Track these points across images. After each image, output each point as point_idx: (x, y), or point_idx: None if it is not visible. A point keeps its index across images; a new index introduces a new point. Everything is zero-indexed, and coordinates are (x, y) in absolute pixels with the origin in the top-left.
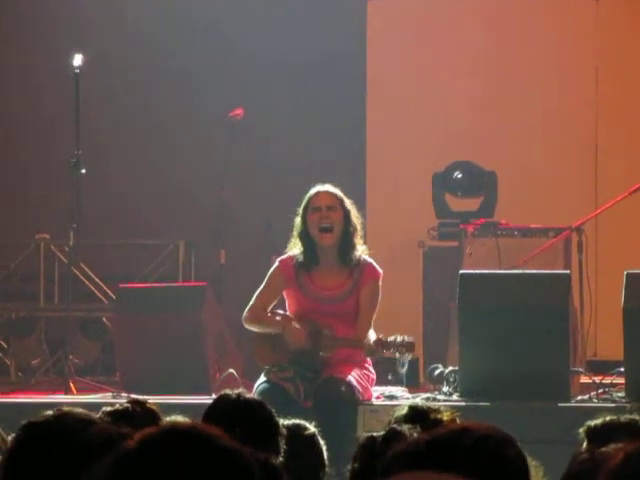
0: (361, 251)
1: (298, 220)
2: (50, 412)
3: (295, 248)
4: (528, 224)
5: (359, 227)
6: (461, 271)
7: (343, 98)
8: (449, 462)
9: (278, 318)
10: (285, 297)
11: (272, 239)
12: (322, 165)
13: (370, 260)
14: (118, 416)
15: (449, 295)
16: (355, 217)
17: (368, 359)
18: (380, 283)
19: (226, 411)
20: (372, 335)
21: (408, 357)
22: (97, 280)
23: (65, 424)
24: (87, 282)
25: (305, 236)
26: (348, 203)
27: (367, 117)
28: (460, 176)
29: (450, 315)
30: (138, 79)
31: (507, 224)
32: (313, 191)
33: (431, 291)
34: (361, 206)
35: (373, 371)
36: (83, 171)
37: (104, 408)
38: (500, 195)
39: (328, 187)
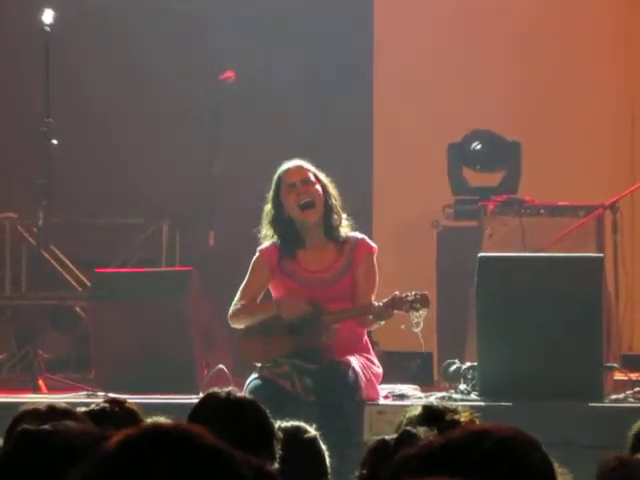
0: (346, 226)
1: (268, 206)
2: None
3: (270, 234)
4: (556, 201)
5: (339, 200)
6: (480, 254)
7: (347, 59)
8: (466, 467)
9: (268, 304)
10: (271, 291)
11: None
12: (324, 134)
13: (362, 235)
14: (94, 417)
15: (466, 281)
16: (333, 188)
17: (372, 351)
18: (375, 259)
19: (214, 411)
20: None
21: (423, 313)
22: (70, 264)
23: (65, 436)
24: (59, 267)
25: (281, 221)
26: (322, 175)
27: (374, 80)
28: (479, 147)
29: (467, 304)
30: (119, 39)
31: (532, 201)
32: (282, 169)
33: (446, 277)
34: (367, 180)
35: (379, 365)
36: (54, 142)
37: (79, 409)
38: (524, 168)
39: (296, 161)
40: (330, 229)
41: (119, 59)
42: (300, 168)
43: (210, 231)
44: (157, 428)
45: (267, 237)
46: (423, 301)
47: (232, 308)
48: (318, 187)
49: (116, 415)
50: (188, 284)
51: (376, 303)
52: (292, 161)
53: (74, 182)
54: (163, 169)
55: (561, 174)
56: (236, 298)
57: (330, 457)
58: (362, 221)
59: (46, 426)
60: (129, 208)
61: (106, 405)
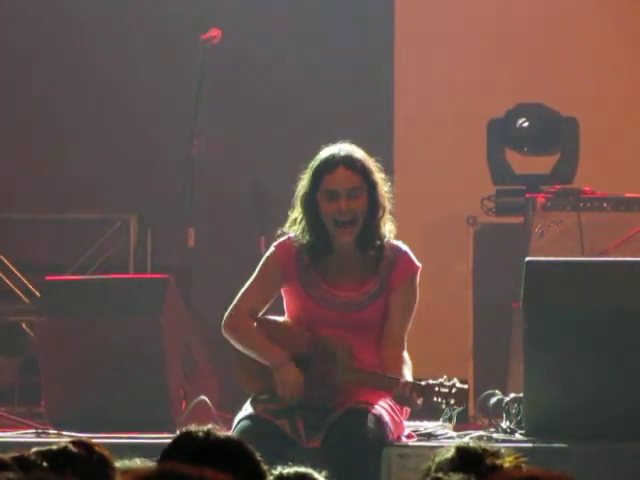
0: (388, 232)
1: (303, 189)
2: None
3: (296, 227)
4: (622, 192)
5: (388, 204)
6: (528, 258)
7: (361, 10)
8: None
9: (273, 349)
10: (283, 295)
11: (261, 213)
12: (331, 109)
13: (405, 248)
14: (52, 460)
15: (510, 292)
16: (383, 192)
17: None
18: (417, 280)
19: (190, 456)
20: (406, 364)
21: (457, 410)
22: (14, 271)
23: None
24: (0, 274)
25: (314, 219)
26: (374, 171)
27: (395, 38)
28: (527, 124)
29: (512, 320)
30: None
31: (592, 192)
32: (327, 162)
33: (485, 287)
34: (387, 167)
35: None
36: None
37: (34, 449)
38: (583, 152)
39: (347, 153)
40: (364, 243)
41: (74, 13)
42: (349, 172)
43: (189, 229)
44: (174, 473)
45: (295, 225)
46: (460, 398)
47: (228, 315)
48: (365, 198)
49: (80, 459)
50: (163, 295)
51: (406, 376)
52: (340, 149)
53: (19, 169)
54: (131, 152)
55: (628, 159)
56: (235, 302)
57: None
58: None
59: None
60: (88, 201)
61: (68, 445)
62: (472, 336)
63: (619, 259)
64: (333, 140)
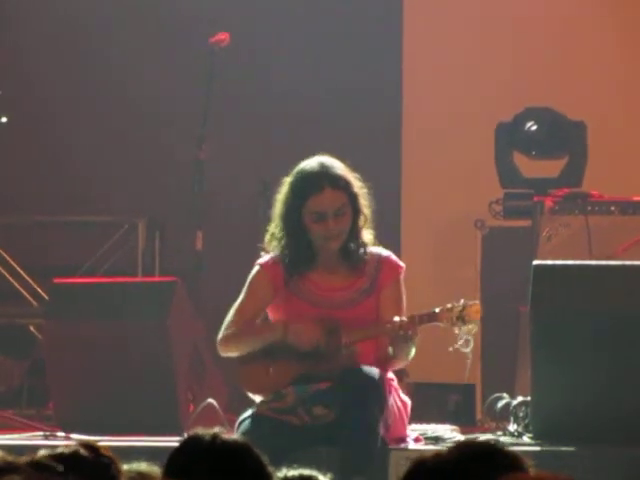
0: (369, 241)
1: (285, 207)
2: None
3: (276, 244)
4: (630, 196)
5: (367, 211)
6: (535, 262)
7: (370, 10)
8: None
9: (271, 325)
10: (270, 314)
11: (269, 216)
12: (340, 111)
13: (387, 252)
14: (65, 462)
15: (518, 296)
16: (363, 199)
17: (396, 383)
18: (402, 280)
19: (196, 459)
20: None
21: (473, 329)
22: (22, 273)
23: None
24: (8, 276)
25: (299, 235)
26: (355, 185)
27: (403, 39)
28: (535, 128)
29: (519, 323)
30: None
31: (600, 196)
32: (312, 182)
33: (492, 291)
34: (393, 171)
35: (406, 398)
36: (3, 119)
37: (41, 451)
38: (591, 156)
39: (331, 172)
40: (348, 255)
41: (84, 17)
42: (335, 192)
43: (198, 232)
44: None
45: (274, 248)
46: (473, 313)
47: (222, 333)
48: (349, 214)
49: (87, 462)
50: (171, 298)
51: (411, 315)
52: (323, 165)
53: (27, 170)
54: (139, 155)
55: (636, 163)
56: (227, 320)
57: None
58: (387, 225)
59: None
60: (96, 204)
61: (79, 449)
62: (480, 340)
63: (627, 263)
64: (342, 142)
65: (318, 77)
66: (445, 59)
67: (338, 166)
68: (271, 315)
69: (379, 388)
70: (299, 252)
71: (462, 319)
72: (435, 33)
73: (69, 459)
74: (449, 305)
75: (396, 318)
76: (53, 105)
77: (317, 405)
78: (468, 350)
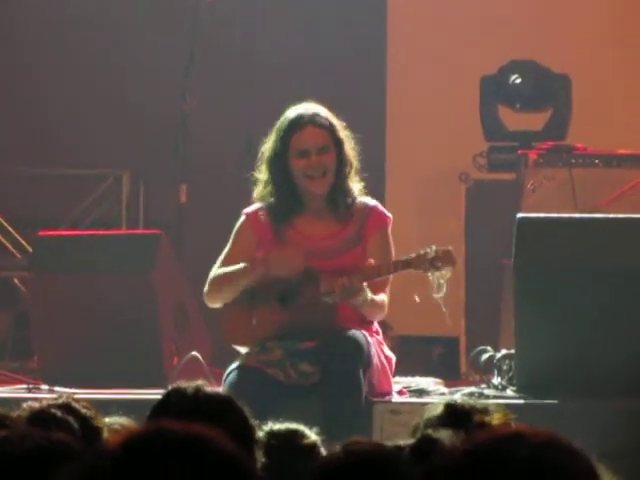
0: (357, 191)
1: (270, 150)
2: None
3: (263, 190)
4: (614, 149)
5: (355, 161)
6: (519, 214)
7: None
8: None
9: (250, 263)
10: None
11: (254, 169)
12: (323, 62)
13: (374, 202)
14: (40, 419)
15: (502, 249)
16: (350, 148)
17: (381, 337)
18: (390, 231)
19: (178, 411)
20: (386, 302)
21: (446, 274)
22: (6, 226)
23: None
24: None
25: (284, 179)
26: (341, 129)
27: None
28: (519, 81)
29: (503, 277)
30: None
31: (585, 149)
32: (294, 122)
33: (476, 244)
34: (378, 124)
35: (391, 354)
36: None
37: (24, 405)
38: (576, 109)
39: (314, 112)
40: (334, 200)
41: None
42: (317, 130)
43: (182, 185)
44: (165, 431)
45: (264, 198)
46: (446, 258)
47: (208, 283)
48: (333, 154)
49: (66, 417)
50: (155, 250)
51: (387, 262)
52: (307, 108)
53: (8, 122)
54: (122, 107)
55: (621, 115)
56: (213, 270)
57: None
58: (372, 178)
59: None
60: (79, 157)
61: (56, 412)
62: (464, 293)
63: (611, 215)
64: (327, 96)
65: (303, 29)
66: (429, 12)
67: (323, 110)
68: None
69: (362, 352)
70: (284, 197)
71: (435, 265)
72: None
73: (54, 415)
74: (422, 251)
75: (371, 260)
76: (37, 57)
77: (304, 362)
78: (440, 295)
